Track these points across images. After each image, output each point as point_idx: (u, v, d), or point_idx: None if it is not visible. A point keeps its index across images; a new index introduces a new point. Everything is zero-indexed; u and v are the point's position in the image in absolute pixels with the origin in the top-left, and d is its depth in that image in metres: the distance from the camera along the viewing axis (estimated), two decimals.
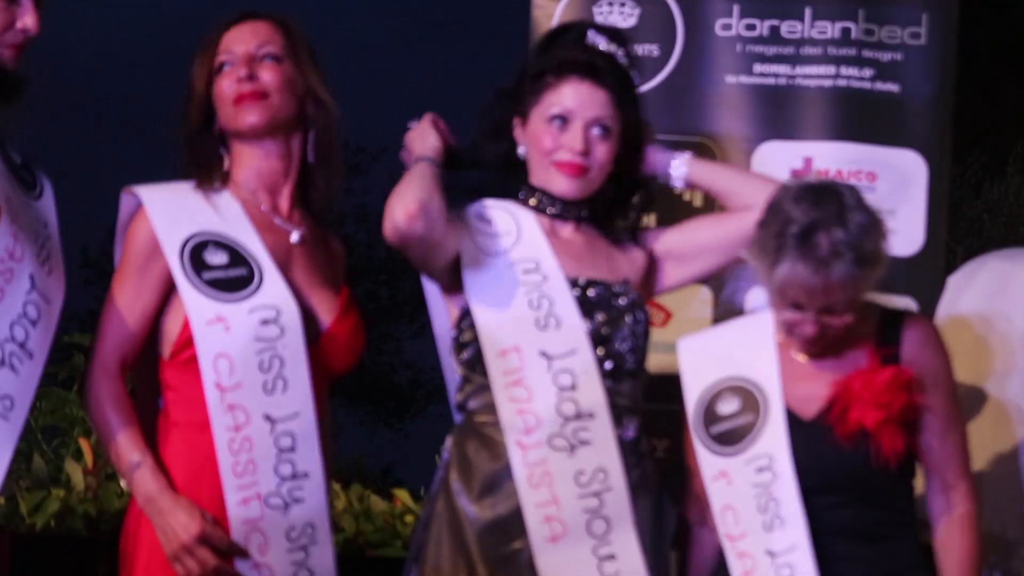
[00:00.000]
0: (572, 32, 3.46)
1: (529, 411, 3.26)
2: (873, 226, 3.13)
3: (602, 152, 3.34)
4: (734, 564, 3.23)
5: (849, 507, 3.20)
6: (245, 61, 3.21)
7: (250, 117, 3.21)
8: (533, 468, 3.25)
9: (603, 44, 3.41)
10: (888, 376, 3.17)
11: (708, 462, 3.28)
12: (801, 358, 3.27)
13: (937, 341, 3.27)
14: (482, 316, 3.29)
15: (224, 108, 3.22)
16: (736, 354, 3.34)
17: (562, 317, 3.29)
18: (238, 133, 3.24)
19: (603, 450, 3.26)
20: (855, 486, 3.20)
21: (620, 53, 3.42)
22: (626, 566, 3.26)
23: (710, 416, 3.29)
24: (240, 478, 3.09)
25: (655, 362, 3.51)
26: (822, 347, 3.21)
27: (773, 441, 3.22)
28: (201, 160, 3.24)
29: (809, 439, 3.21)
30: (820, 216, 3.10)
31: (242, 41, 3.23)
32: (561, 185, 3.35)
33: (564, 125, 3.33)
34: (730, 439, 3.26)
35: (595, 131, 3.33)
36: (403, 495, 5.33)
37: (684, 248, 3.47)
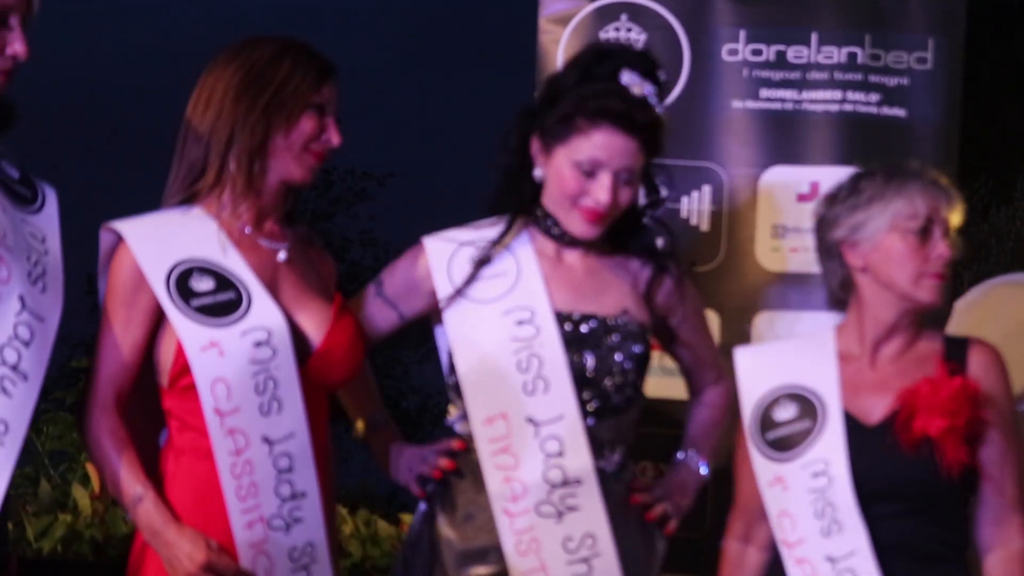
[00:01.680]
0: (605, 66, 3.36)
1: (516, 479, 3.26)
2: None
3: (625, 197, 3.32)
4: (794, 571, 3.21)
5: (908, 518, 3.18)
6: (336, 123, 3.25)
7: (309, 176, 3.24)
8: (521, 536, 3.26)
9: (637, 86, 3.34)
10: (957, 385, 3.16)
11: (763, 468, 3.26)
12: (863, 358, 3.27)
13: (1002, 367, 3.27)
14: (468, 379, 3.30)
15: (293, 143, 3.21)
16: (794, 363, 3.33)
17: (550, 380, 3.27)
18: (284, 172, 3.23)
19: (591, 515, 3.26)
20: (915, 495, 3.18)
21: (652, 92, 3.36)
22: None
23: (766, 422, 3.28)
24: (244, 501, 3.10)
25: (652, 386, 3.51)
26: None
27: (829, 445, 3.20)
28: (249, 175, 3.20)
29: (871, 445, 3.19)
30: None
31: (333, 99, 3.25)
32: (581, 228, 3.33)
33: (592, 173, 3.30)
34: (786, 445, 3.24)
35: (621, 180, 3.30)
36: (409, 519, 5.33)
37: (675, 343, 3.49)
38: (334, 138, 3.23)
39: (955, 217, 3.25)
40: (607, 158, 3.29)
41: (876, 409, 3.23)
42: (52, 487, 5.18)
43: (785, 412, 3.27)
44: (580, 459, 3.26)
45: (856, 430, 3.21)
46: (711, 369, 3.54)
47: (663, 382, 3.80)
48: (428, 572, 3.35)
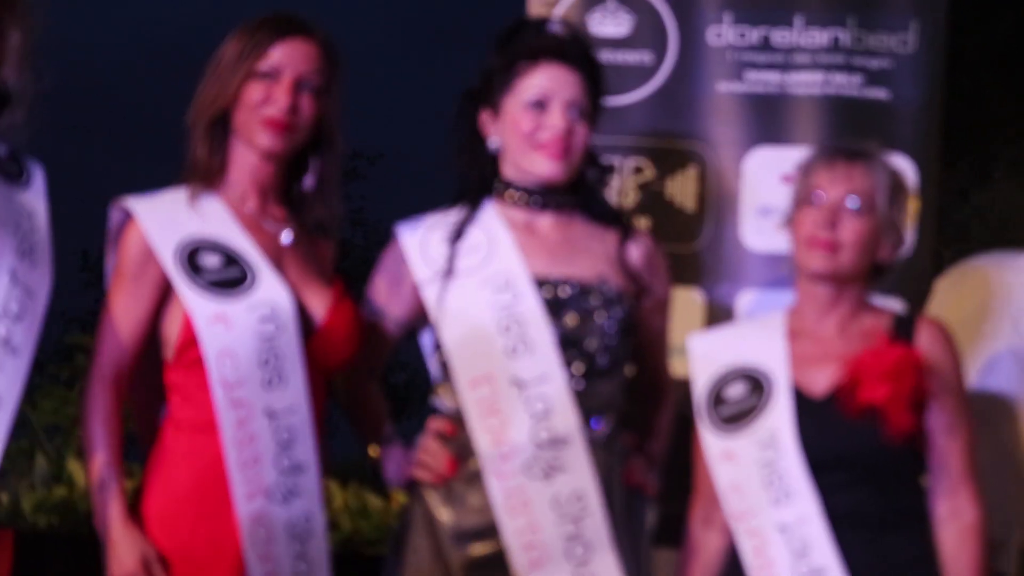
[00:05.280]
0: (531, 24, 3.49)
1: (504, 440, 3.27)
2: None
3: (581, 133, 3.35)
4: (744, 544, 3.24)
5: (855, 488, 3.20)
6: (291, 88, 3.21)
7: (271, 143, 3.22)
8: (510, 496, 3.26)
9: (563, 31, 3.43)
10: (899, 354, 3.19)
11: (713, 444, 3.29)
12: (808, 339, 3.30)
13: (950, 342, 3.29)
14: (452, 346, 3.31)
15: (247, 116, 3.22)
16: (743, 344, 3.36)
17: (533, 341, 3.29)
18: (250, 145, 3.24)
19: (579, 475, 3.27)
20: (862, 465, 3.20)
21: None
22: None
23: (717, 401, 3.31)
24: (245, 473, 3.11)
25: None
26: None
27: (777, 417, 3.23)
28: (209, 152, 3.24)
29: (818, 416, 3.22)
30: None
31: (293, 62, 3.22)
32: (544, 167, 3.35)
33: (543, 108, 3.33)
34: (736, 420, 3.27)
35: (573, 113, 3.34)
36: (399, 494, 5.34)
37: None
38: (280, 100, 3.20)
39: (859, 186, 3.28)
40: (554, 89, 3.34)
41: (822, 381, 3.26)
42: (48, 461, 5.19)
43: (735, 390, 3.31)
44: (566, 419, 3.27)
45: (803, 403, 3.25)
46: (658, 367, 3.55)
47: None
48: (421, 551, 3.35)
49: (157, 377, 3.23)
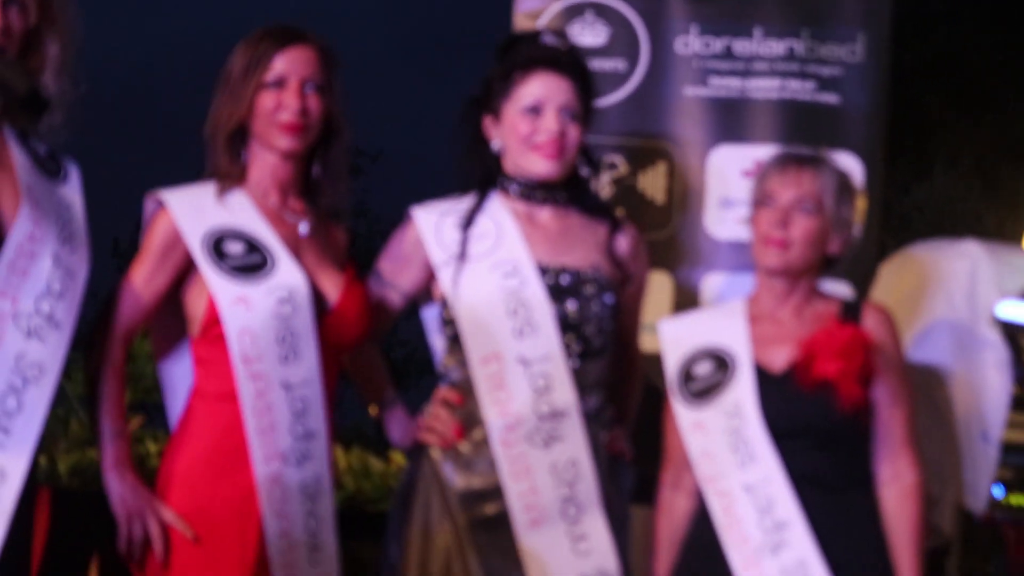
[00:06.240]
0: (527, 38, 3.51)
1: (510, 412, 3.31)
2: None
3: (574, 135, 3.38)
4: (714, 504, 3.29)
5: (812, 453, 3.24)
6: (299, 91, 3.24)
7: (290, 144, 3.26)
8: (514, 463, 3.31)
9: (556, 43, 3.45)
10: (849, 334, 3.24)
11: (685, 416, 3.34)
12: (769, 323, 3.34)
13: (892, 324, 3.35)
14: (466, 326, 3.34)
15: (263, 122, 3.25)
16: (710, 327, 3.40)
17: (537, 324, 3.32)
18: (269, 148, 3.27)
19: (574, 444, 3.32)
20: (817, 432, 3.24)
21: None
22: (596, 544, 3.34)
23: (687, 378, 3.35)
24: (263, 438, 3.14)
25: None
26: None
27: (741, 390, 3.28)
28: (231, 160, 3.27)
29: (777, 390, 3.27)
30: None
31: (296, 68, 3.25)
32: (540, 166, 3.38)
33: (538, 113, 3.36)
34: (705, 394, 3.32)
35: (565, 116, 3.36)
36: (398, 456, 5.36)
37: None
38: (292, 104, 3.23)
39: (808, 189, 3.30)
40: (547, 95, 3.36)
41: (780, 359, 3.30)
42: (82, 426, 5.20)
43: (703, 368, 3.35)
44: (564, 394, 3.32)
45: (763, 378, 3.29)
46: (634, 344, 3.59)
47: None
48: (429, 507, 3.38)
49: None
